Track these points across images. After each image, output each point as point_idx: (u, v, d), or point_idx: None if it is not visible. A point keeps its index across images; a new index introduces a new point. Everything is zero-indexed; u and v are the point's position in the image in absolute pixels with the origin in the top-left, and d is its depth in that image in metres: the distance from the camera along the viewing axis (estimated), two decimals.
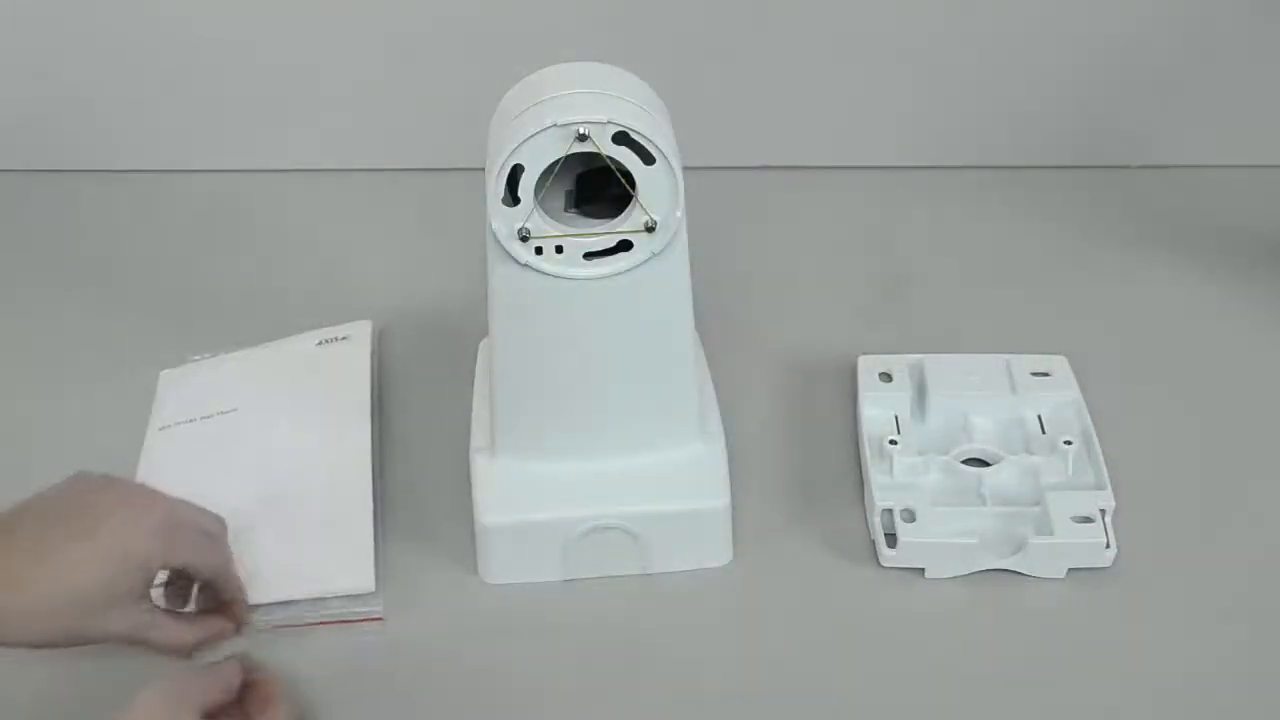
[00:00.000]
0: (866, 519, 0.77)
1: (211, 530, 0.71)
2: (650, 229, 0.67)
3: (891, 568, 0.74)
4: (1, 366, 0.90)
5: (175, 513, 0.68)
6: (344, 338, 0.88)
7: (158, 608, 0.68)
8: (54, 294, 0.96)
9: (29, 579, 0.63)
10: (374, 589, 0.72)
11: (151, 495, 0.69)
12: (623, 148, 0.65)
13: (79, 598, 0.63)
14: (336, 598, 0.72)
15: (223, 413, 0.82)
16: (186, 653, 0.69)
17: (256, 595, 0.72)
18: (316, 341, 0.88)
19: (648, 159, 0.65)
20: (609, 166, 0.65)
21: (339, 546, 0.74)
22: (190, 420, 0.82)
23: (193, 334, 0.90)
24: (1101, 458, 0.77)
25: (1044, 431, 0.80)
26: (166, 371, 0.87)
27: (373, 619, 0.72)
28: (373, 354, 0.87)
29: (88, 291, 0.96)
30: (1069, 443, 0.77)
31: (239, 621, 0.71)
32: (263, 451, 0.80)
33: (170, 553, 0.67)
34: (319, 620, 0.72)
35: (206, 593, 0.71)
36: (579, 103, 0.65)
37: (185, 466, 0.79)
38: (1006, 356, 0.84)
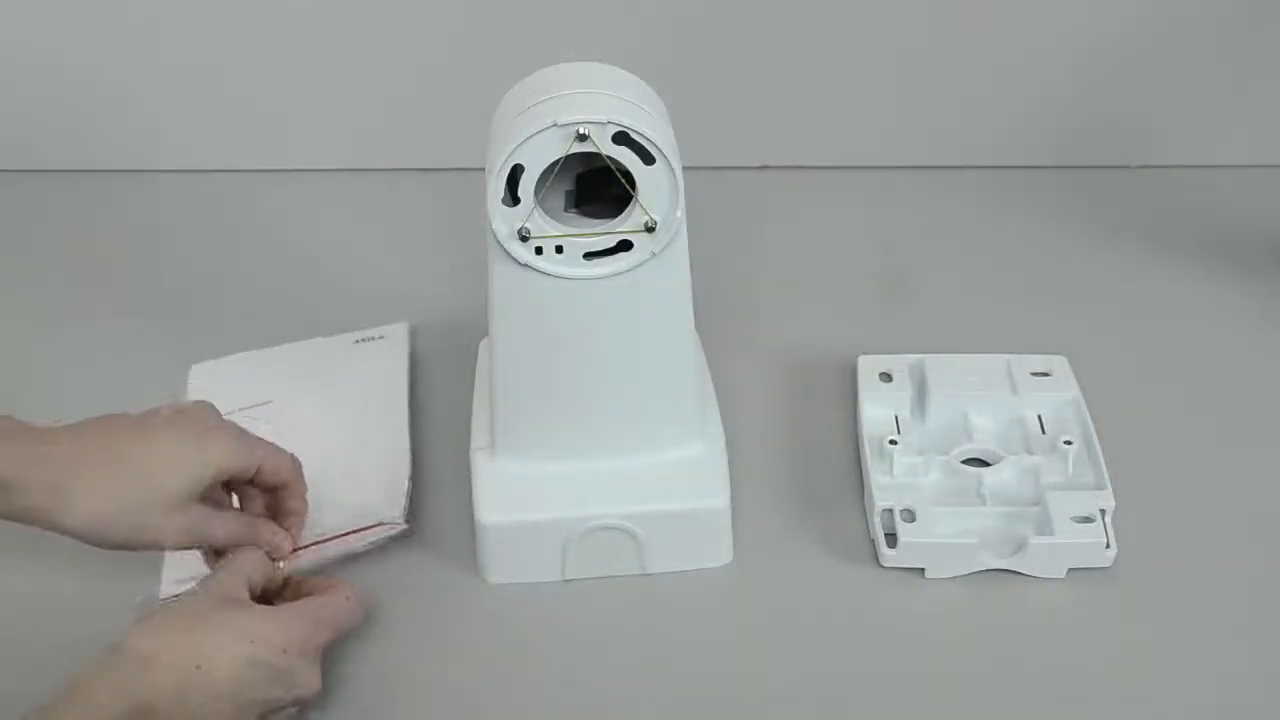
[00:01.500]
0: (866, 519, 0.77)
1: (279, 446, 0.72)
2: (650, 229, 0.67)
3: (891, 568, 0.74)
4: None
5: (242, 427, 0.71)
6: (380, 337, 0.89)
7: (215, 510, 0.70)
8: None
9: (111, 464, 0.65)
10: (403, 524, 0.75)
11: (219, 414, 0.71)
12: (623, 148, 0.65)
13: (157, 490, 0.66)
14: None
15: (257, 404, 0.83)
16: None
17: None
18: (354, 340, 0.89)
19: (648, 159, 0.65)
20: (609, 166, 0.65)
21: (376, 490, 0.77)
22: (227, 413, 0.82)
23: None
24: (1101, 458, 0.77)
25: (1044, 431, 0.80)
26: (197, 366, 0.87)
27: (397, 527, 0.75)
28: (410, 354, 0.88)
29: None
30: (1069, 443, 0.77)
31: (295, 537, 0.73)
32: (300, 439, 0.79)
33: (251, 456, 0.69)
34: (349, 531, 0.74)
35: (259, 503, 0.73)
36: (579, 103, 0.65)
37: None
38: (1006, 356, 0.84)
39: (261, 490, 0.73)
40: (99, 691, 0.59)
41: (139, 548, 0.67)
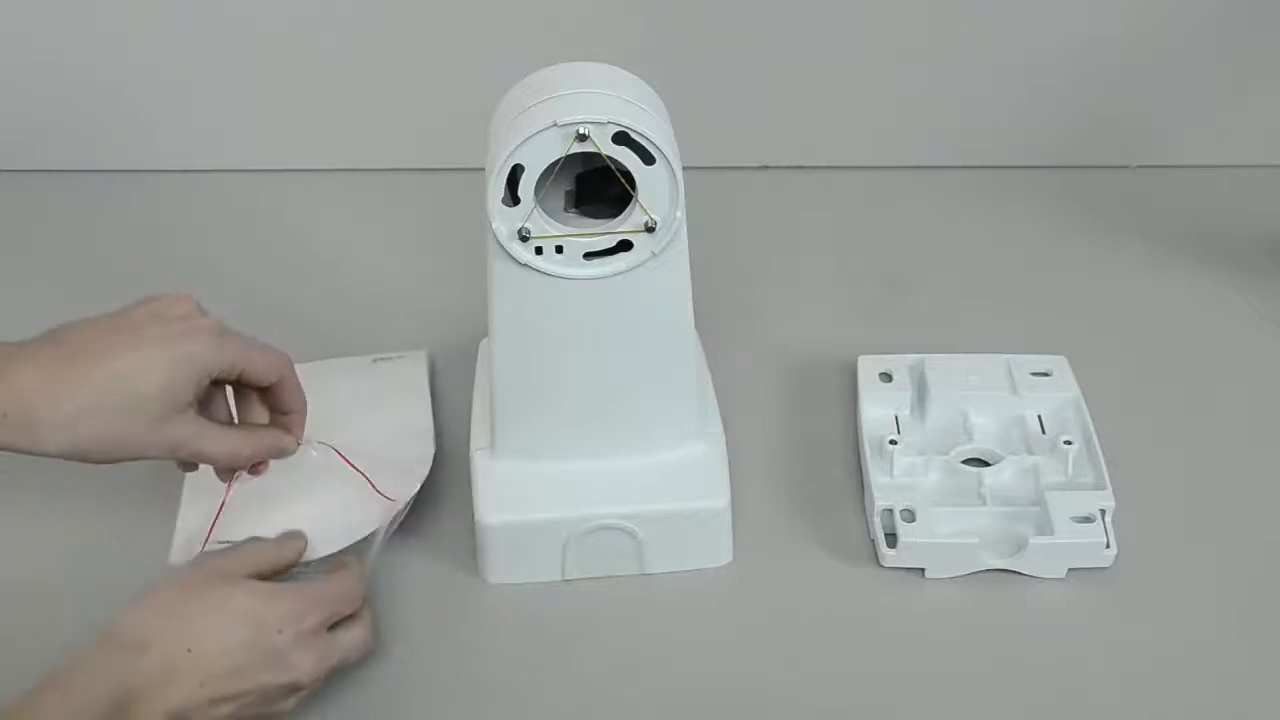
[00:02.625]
0: (866, 519, 0.77)
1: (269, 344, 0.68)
2: (650, 229, 0.67)
3: (891, 568, 0.74)
4: None
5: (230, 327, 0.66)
6: (399, 356, 0.88)
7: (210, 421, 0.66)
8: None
9: (78, 380, 0.61)
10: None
11: (199, 309, 0.66)
12: (623, 148, 0.65)
13: (132, 400, 0.61)
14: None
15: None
16: (242, 465, 0.68)
17: (321, 548, 0.71)
18: (372, 360, 0.88)
19: (648, 159, 0.65)
20: (609, 166, 0.65)
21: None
22: None
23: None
24: (1101, 458, 0.77)
25: (1044, 431, 0.80)
26: None
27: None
28: (430, 375, 0.87)
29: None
30: (1069, 443, 0.77)
31: (297, 436, 0.70)
32: (325, 450, 0.79)
33: (233, 353, 0.65)
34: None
35: (258, 406, 0.69)
36: (579, 103, 0.65)
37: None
38: (1006, 356, 0.84)
39: (257, 391, 0.69)
40: (81, 678, 0.57)
41: (128, 459, 0.64)
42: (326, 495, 0.74)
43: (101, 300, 0.93)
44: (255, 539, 0.69)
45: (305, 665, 0.63)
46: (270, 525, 0.71)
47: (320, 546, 0.71)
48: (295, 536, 0.70)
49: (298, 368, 0.73)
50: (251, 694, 0.61)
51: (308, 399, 0.72)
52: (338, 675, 0.68)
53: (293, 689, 0.63)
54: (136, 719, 0.58)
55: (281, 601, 0.63)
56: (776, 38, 1.02)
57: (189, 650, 0.59)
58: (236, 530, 0.71)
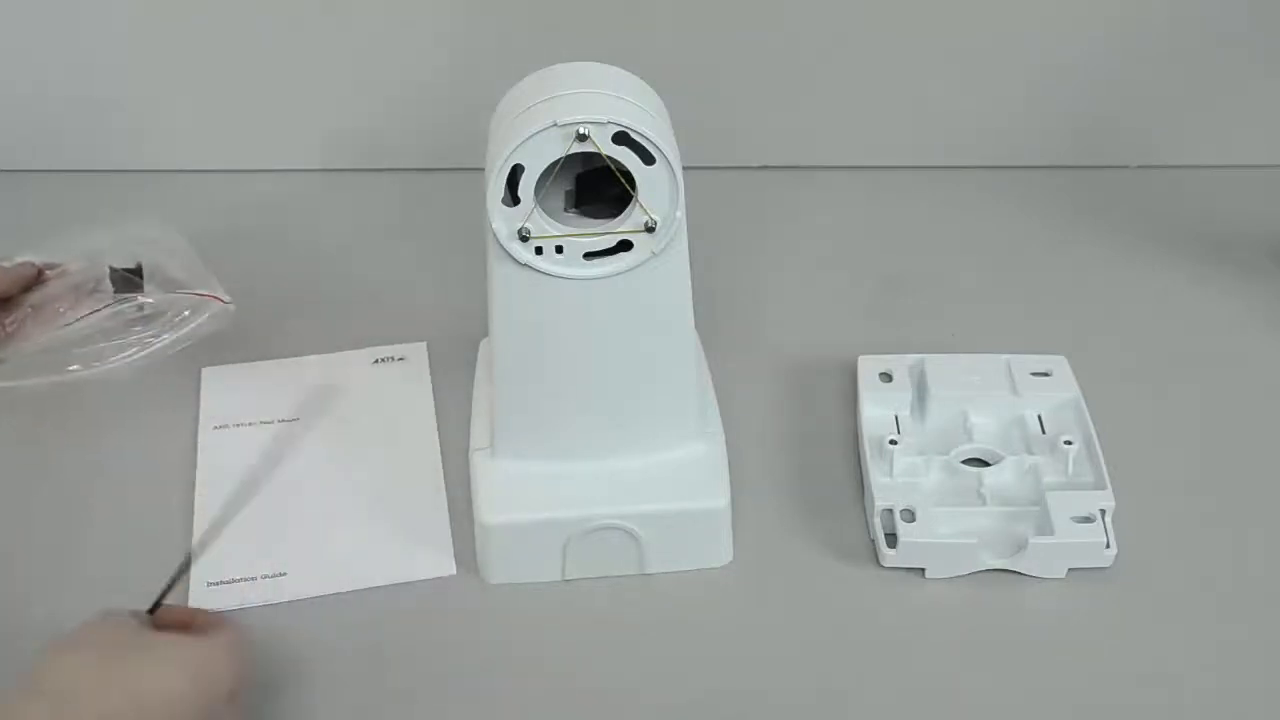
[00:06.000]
0: (866, 519, 0.77)
1: None
2: (650, 229, 0.67)
3: (891, 568, 0.74)
4: None
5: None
6: (400, 358, 0.89)
7: None
8: None
9: None
10: (454, 572, 0.75)
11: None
12: (623, 148, 0.65)
13: None
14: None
15: (284, 420, 0.83)
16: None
17: (339, 584, 0.74)
18: (372, 360, 0.88)
19: (648, 159, 0.65)
20: (609, 166, 0.65)
21: (418, 536, 0.77)
22: (249, 424, 0.83)
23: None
24: (1101, 458, 0.77)
25: (1044, 431, 0.80)
26: (207, 369, 0.87)
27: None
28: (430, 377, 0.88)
29: None
30: (1069, 443, 0.77)
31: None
32: (331, 462, 0.80)
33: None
34: None
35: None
36: (579, 103, 0.65)
37: (249, 468, 0.79)
38: (1006, 356, 0.84)
39: None
40: None
41: None
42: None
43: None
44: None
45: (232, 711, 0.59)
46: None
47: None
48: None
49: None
50: None
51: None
52: (338, 675, 0.68)
53: None
54: None
55: (228, 657, 0.58)
56: (776, 38, 1.02)
57: (127, 701, 0.54)
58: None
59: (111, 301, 0.83)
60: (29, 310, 0.83)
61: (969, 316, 0.93)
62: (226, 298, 0.85)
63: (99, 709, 0.53)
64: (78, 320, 0.82)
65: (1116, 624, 0.72)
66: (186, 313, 0.84)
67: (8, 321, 0.83)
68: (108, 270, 0.85)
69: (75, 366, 0.82)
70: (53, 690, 0.53)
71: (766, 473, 0.81)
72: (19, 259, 0.85)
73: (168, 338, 0.83)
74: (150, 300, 0.84)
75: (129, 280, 0.84)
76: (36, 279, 0.85)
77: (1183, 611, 0.73)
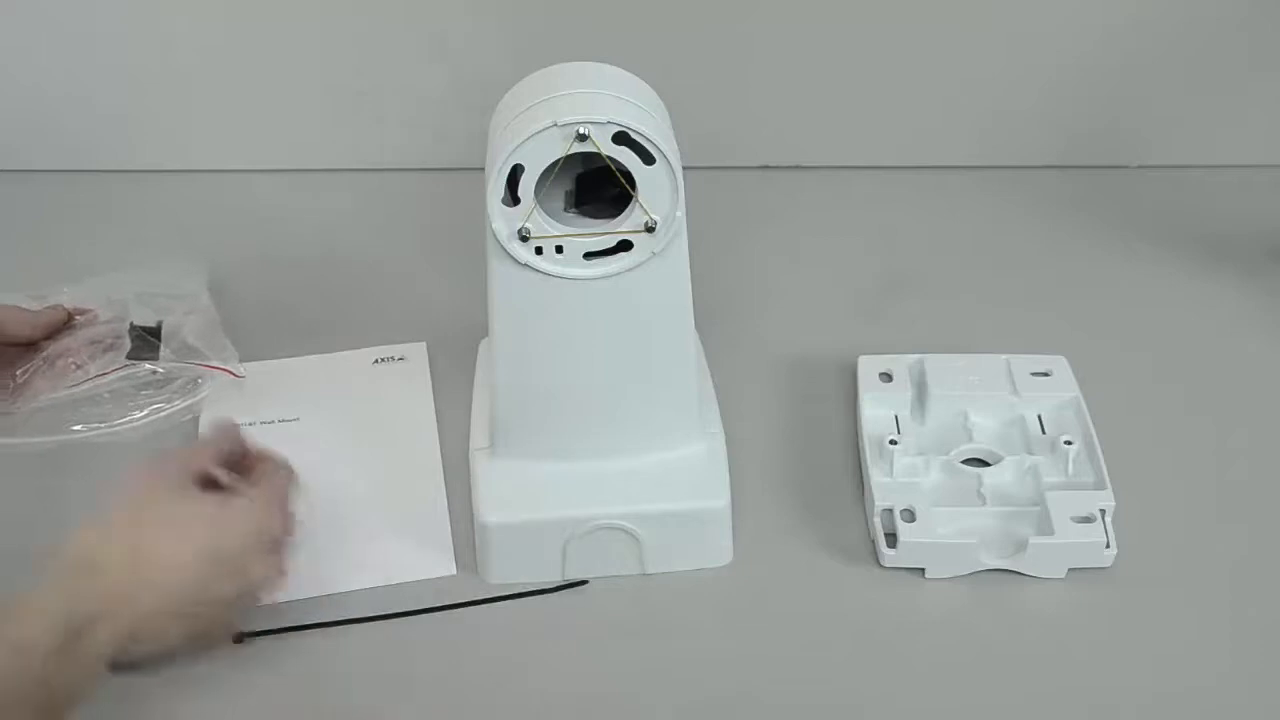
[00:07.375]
0: (866, 519, 0.77)
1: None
2: (650, 229, 0.67)
3: (891, 568, 0.74)
4: None
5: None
6: (400, 358, 0.89)
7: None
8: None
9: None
10: (454, 572, 0.75)
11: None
12: (623, 148, 0.65)
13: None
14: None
15: (285, 420, 0.84)
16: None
17: (339, 583, 0.73)
18: (372, 360, 0.89)
19: (648, 159, 0.65)
20: (609, 166, 0.65)
21: (418, 536, 0.77)
22: (250, 423, 0.83)
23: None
24: (1101, 458, 0.77)
25: (1044, 431, 0.80)
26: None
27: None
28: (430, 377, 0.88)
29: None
30: (1069, 443, 0.77)
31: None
32: (332, 462, 0.80)
33: None
34: None
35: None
36: (579, 103, 0.65)
37: None
38: (1006, 356, 0.84)
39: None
40: (34, 606, 0.55)
41: None
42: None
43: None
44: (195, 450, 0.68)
45: (265, 572, 0.63)
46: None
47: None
48: (226, 429, 0.71)
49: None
50: (210, 606, 0.60)
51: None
52: (337, 676, 0.68)
53: (251, 596, 0.63)
54: (94, 643, 0.56)
55: (233, 510, 0.63)
56: (776, 38, 1.02)
57: (146, 567, 0.58)
58: None
59: (124, 365, 0.82)
60: (41, 362, 0.82)
61: (969, 316, 0.93)
62: (240, 371, 0.84)
63: (121, 577, 0.58)
64: (88, 381, 0.81)
65: (1116, 624, 0.72)
66: (198, 381, 0.83)
67: (18, 372, 0.82)
68: (129, 326, 0.84)
69: (79, 427, 0.81)
70: (79, 563, 0.58)
71: (766, 473, 0.81)
72: (52, 302, 0.84)
73: (176, 404, 0.83)
74: (162, 369, 0.83)
75: (146, 341, 0.84)
76: (66, 323, 0.84)
77: (1183, 611, 0.73)
